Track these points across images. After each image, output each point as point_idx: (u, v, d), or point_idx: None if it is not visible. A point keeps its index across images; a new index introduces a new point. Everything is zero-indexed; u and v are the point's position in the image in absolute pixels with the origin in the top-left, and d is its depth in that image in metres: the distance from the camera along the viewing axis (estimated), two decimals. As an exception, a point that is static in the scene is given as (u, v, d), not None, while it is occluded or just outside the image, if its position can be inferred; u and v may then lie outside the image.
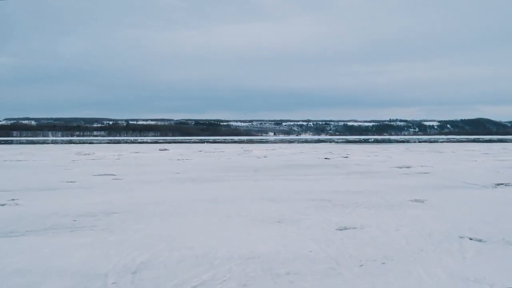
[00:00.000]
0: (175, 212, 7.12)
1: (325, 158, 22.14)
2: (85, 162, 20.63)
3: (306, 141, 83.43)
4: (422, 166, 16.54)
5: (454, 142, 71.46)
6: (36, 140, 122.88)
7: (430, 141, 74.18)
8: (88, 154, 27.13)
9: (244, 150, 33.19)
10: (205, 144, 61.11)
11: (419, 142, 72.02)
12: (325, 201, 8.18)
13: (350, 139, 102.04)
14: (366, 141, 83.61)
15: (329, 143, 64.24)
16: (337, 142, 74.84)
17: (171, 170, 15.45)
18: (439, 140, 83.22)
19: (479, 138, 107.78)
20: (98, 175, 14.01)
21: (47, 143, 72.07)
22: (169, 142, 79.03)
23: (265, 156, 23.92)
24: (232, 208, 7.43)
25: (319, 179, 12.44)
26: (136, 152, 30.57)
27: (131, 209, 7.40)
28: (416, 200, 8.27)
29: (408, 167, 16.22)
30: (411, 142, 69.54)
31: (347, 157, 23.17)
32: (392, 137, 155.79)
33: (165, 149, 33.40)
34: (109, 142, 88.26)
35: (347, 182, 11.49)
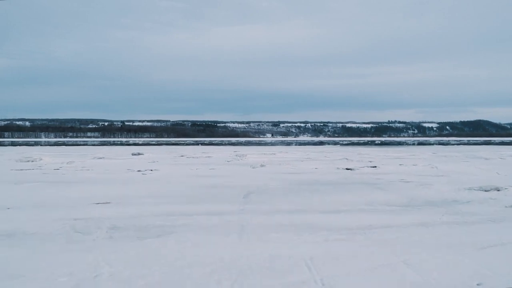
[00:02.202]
0: None
1: (347, 169, 15.75)
2: None
3: (308, 143, 77.01)
4: (518, 188, 10.14)
5: (470, 145, 65.29)
6: (19, 141, 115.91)
7: (444, 144, 67.92)
8: (31, 161, 20.69)
9: (237, 155, 26.77)
10: (195, 147, 54.71)
11: (433, 144, 65.70)
12: None
13: (355, 141, 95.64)
14: (373, 143, 77.29)
15: (334, 146, 57.84)
16: (342, 144, 68.39)
17: (103, 195, 9.04)
18: (451, 143, 76.98)
19: (490, 141, 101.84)
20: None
21: (18, 145, 65.26)
22: (160, 144, 72.70)
23: (262, 165, 17.52)
24: None
25: (374, 226, 6.02)
26: (100, 158, 24.12)
27: None
28: None
29: (497, 190, 9.84)
30: (425, 145, 63.25)
31: (375, 167, 16.78)
32: (397, 139, 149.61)
33: (139, 154, 26.99)
34: (94, 144, 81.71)
35: (448, 246, 5.08)
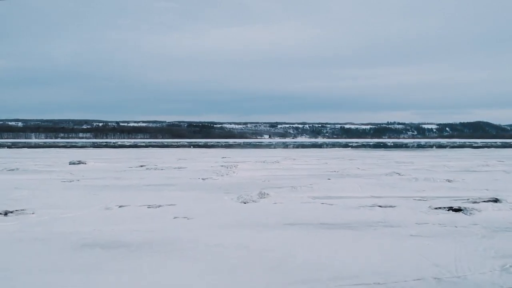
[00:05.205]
0: None
1: (453, 210, 7.09)
2: None
3: (312, 145, 68.34)
4: None
5: (496, 147, 56.90)
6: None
7: (470, 146, 59.45)
8: None
9: (223, 165, 18.19)
10: (185, 149, 46.14)
11: (457, 147, 57.17)
12: None
13: (364, 143, 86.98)
14: (385, 145, 68.82)
15: (344, 149, 49.10)
16: (352, 146, 59.64)
17: None
18: (472, 145, 68.55)
19: (507, 143, 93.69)
20: None
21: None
22: (148, 146, 64.26)
23: (261, 195, 8.83)
24: None
25: None
26: (10, 170, 15.54)
27: None
28: None
29: None
30: (436, 147, 54.75)
31: (497, 200, 8.13)
32: (405, 141, 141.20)
33: (79, 163, 18.32)
34: (73, 146, 72.97)
35: None
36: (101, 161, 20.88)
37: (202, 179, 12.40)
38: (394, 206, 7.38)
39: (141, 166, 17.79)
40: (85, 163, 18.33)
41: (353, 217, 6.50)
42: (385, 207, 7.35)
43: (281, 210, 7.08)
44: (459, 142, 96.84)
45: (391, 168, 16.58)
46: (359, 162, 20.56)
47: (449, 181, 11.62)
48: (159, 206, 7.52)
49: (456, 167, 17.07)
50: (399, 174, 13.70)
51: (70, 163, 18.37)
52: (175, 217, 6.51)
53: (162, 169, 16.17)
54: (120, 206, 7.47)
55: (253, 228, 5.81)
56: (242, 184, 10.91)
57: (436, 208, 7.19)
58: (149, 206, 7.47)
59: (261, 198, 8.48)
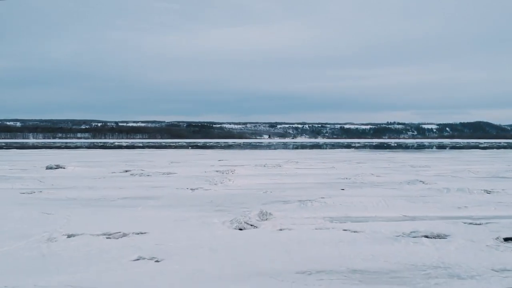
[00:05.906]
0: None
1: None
2: None
3: (314, 146, 66.33)
4: None
5: (500, 148, 54.95)
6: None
7: (473, 147, 57.47)
8: None
9: (219, 170, 16.18)
10: (181, 150, 44.18)
11: (459, 148, 55.16)
12: None
13: (366, 143, 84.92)
14: (389, 146, 66.78)
15: (347, 151, 47.05)
16: (355, 147, 57.56)
17: None
18: (480, 146, 66.58)
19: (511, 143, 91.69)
20: None
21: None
22: (144, 147, 62.35)
23: (263, 215, 6.83)
24: None
25: None
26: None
27: None
28: None
29: None
30: (447, 149, 52.74)
31: None
32: (407, 141, 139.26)
33: (57, 167, 16.32)
34: (65, 146, 71.01)
35: None
36: (84, 165, 18.86)
37: (191, 189, 10.40)
38: (446, 237, 5.37)
39: (126, 171, 15.78)
40: (64, 168, 16.32)
41: (395, 258, 4.50)
42: (433, 237, 5.34)
43: (290, 244, 5.08)
44: (462, 143, 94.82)
45: (409, 173, 14.59)
46: (370, 166, 18.56)
47: (487, 192, 9.64)
48: (124, 235, 5.52)
49: (481, 172, 15.07)
50: (423, 182, 11.70)
51: (47, 168, 16.37)
52: (137, 258, 4.51)
53: (148, 175, 14.16)
54: (69, 236, 5.46)
55: (251, 281, 3.81)
56: (238, 197, 8.92)
57: (506, 240, 5.19)
58: (108, 236, 5.47)
59: (262, 220, 6.50)
